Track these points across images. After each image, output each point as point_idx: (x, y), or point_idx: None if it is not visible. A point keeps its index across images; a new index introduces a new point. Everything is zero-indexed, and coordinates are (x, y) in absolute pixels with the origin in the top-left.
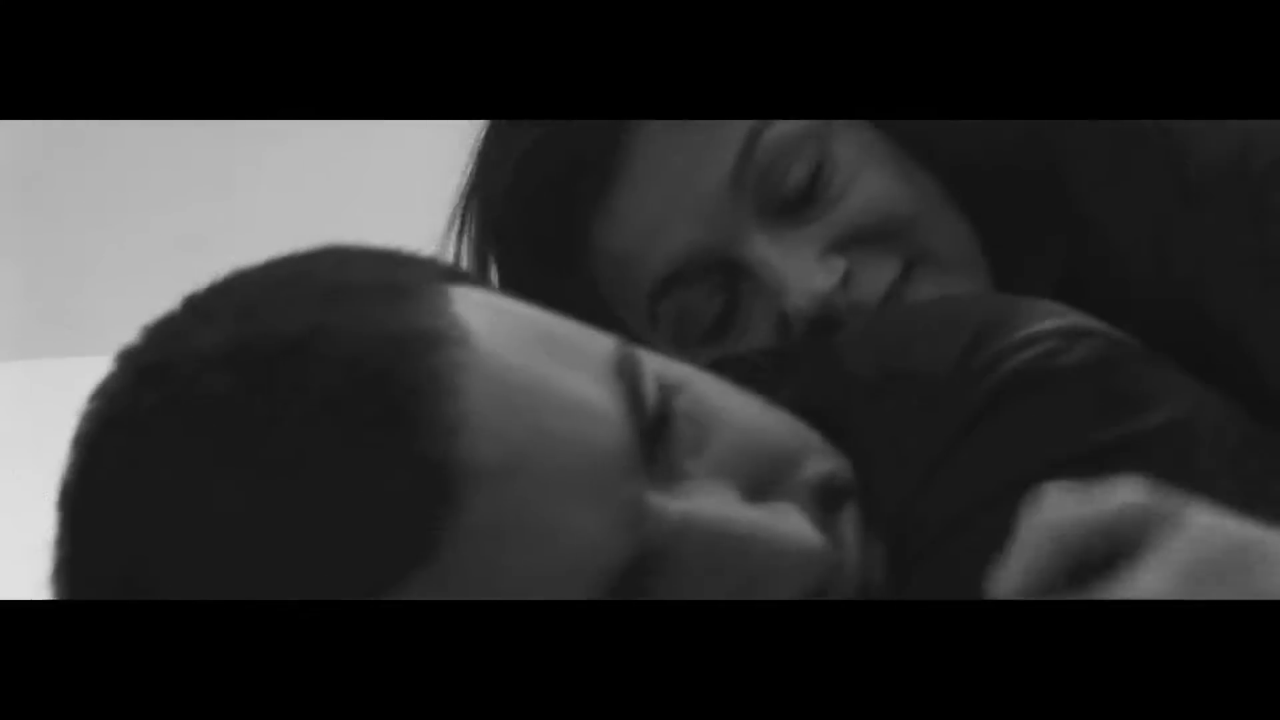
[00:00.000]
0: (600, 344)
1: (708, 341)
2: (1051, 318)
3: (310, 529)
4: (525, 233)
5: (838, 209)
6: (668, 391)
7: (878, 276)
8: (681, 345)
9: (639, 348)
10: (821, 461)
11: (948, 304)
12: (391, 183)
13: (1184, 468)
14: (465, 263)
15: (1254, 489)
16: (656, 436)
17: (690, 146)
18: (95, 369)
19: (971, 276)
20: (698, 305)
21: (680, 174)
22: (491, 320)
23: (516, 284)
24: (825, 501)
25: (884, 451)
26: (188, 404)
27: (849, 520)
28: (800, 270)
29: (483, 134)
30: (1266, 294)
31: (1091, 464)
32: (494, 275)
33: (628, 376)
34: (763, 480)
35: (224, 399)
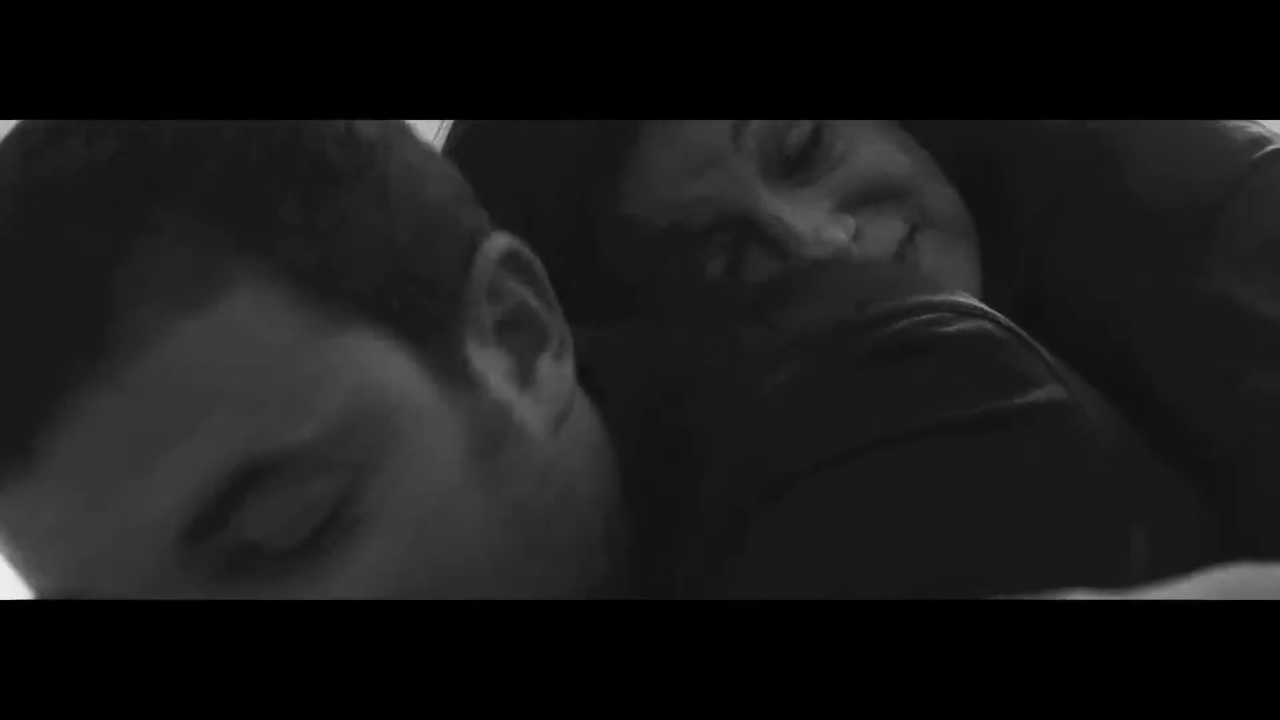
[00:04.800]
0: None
1: None
2: (943, 292)
3: (37, 299)
4: (555, 216)
5: (840, 171)
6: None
7: (885, 236)
8: None
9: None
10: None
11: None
12: None
13: (1063, 449)
14: None
15: (1121, 490)
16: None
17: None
18: None
19: (968, 243)
20: (699, 265)
21: (687, 137)
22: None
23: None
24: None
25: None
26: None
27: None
28: (814, 225)
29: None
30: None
31: (965, 433)
32: None
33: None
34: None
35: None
